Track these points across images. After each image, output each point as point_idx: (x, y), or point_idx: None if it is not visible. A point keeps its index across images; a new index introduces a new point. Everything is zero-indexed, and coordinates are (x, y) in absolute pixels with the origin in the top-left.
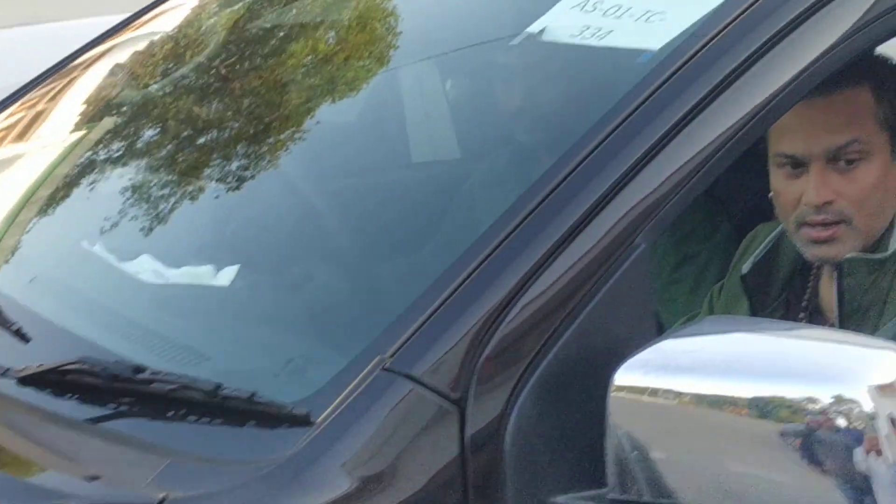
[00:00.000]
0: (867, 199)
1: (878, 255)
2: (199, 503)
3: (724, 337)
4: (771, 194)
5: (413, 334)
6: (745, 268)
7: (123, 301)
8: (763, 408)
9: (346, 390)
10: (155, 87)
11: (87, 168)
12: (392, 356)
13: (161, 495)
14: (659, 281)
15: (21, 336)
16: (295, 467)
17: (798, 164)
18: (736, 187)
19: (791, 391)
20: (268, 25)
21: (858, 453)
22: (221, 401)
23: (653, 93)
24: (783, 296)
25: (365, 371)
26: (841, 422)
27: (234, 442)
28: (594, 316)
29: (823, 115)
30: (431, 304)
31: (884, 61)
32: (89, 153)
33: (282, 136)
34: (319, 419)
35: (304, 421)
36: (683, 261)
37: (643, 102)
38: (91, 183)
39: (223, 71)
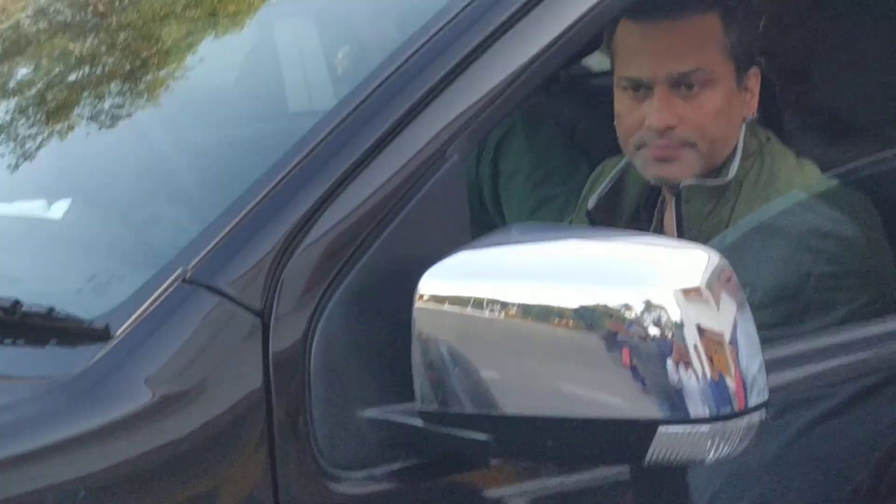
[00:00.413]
0: (709, 127)
1: (716, 182)
2: None
3: (528, 243)
4: (615, 118)
5: (215, 246)
6: (591, 203)
7: None
8: (562, 312)
9: (146, 303)
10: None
11: None
12: (193, 268)
13: None
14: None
15: None
16: (90, 379)
17: (640, 87)
18: (596, 130)
19: (595, 295)
20: None
21: (670, 364)
22: (21, 318)
23: (465, 7)
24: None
25: (165, 283)
26: (651, 330)
27: (33, 360)
28: (404, 227)
29: (669, 40)
30: (234, 217)
31: None
32: None
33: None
34: (118, 332)
35: (103, 335)
36: (540, 204)
37: (455, 17)
38: None
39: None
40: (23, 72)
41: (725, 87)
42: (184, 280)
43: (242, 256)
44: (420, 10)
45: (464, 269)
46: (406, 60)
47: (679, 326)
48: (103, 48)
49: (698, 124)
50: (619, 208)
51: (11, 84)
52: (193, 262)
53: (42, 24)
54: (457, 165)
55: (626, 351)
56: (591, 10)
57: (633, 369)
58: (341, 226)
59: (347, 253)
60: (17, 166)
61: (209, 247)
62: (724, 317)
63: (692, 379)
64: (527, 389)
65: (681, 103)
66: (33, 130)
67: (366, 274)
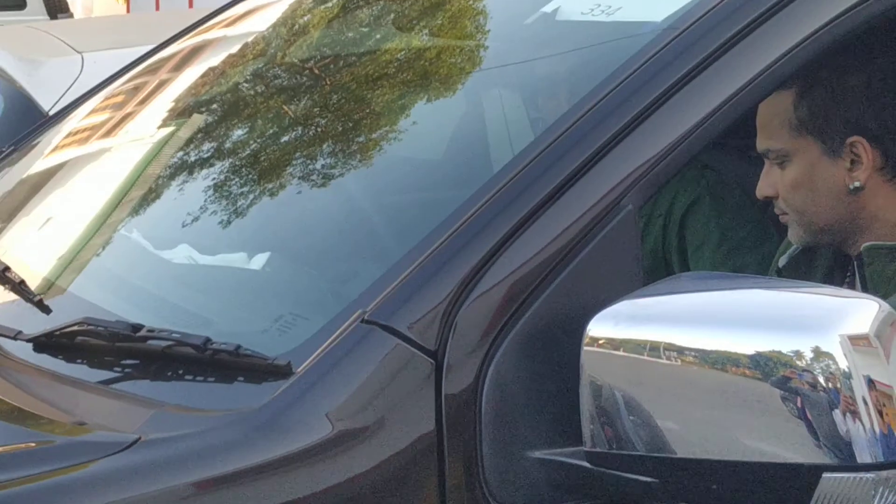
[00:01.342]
0: (791, 198)
1: (893, 243)
2: (173, 442)
3: (697, 291)
4: None
5: (393, 289)
6: (782, 261)
7: (156, 281)
8: (733, 360)
9: (327, 342)
10: (244, 85)
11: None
12: (372, 309)
13: (136, 436)
14: None
15: (42, 307)
16: (271, 412)
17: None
18: None
19: (764, 342)
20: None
21: (837, 414)
22: (211, 355)
23: (647, 61)
24: None
25: (345, 324)
26: (820, 379)
27: (219, 393)
28: (577, 275)
29: (759, 118)
30: (413, 263)
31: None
32: (168, 153)
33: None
34: (299, 369)
35: (286, 371)
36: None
37: (636, 70)
38: (170, 182)
39: (316, 70)
40: (237, 133)
41: (805, 161)
42: (363, 321)
43: (419, 300)
44: (602, 66)
45: (631, 315)
46: (583, 115)
47: (847, 376)
48: (315, 110)
49: (784, 195)
50: (812, 270)
51: (227, 144)
52: (372, 304)
53: (259, 87)
54: (631, 215)
55: (796, 398)
56: (759, 74)
57: (803, 416)
58: (514, 272)
59: (520, 299)
60: (228, 222)
61: (387, 290)
62: (894, 366)
63: (860, 429)
64: (695, 433)
65: (778, 174)
66: (244, 189)
67: (537, 319)
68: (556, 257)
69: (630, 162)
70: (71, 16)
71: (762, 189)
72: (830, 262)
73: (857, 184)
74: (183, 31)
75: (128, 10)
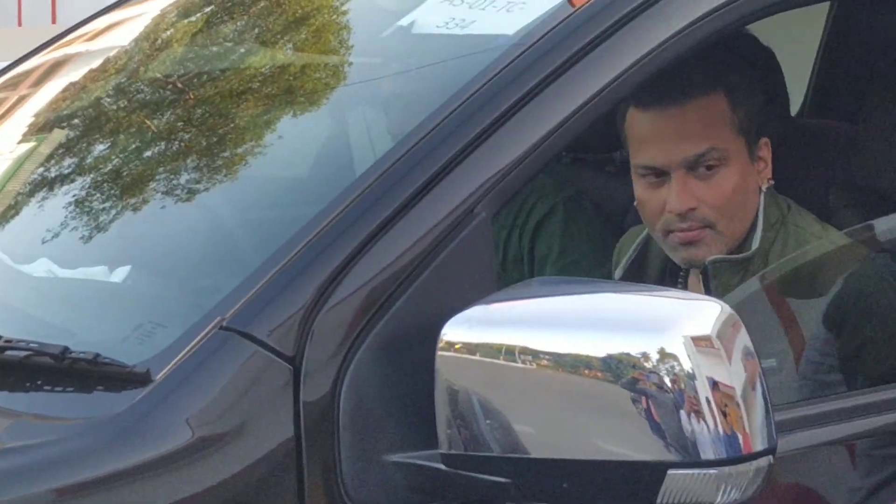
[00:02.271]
0: (728, 204)
1: (740, 256)
2: (30, 451)
3: (547, 296)
4: (636, 203)
5: (251, 297)
6: (617, 274)
7: (15, 294)
8: (585, 362)
9: (185, 349)
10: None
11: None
12: (230, 316)
13: None
14: None
15: None
16: (130, 418)
17: (660, 174)
18: None
19: (614, 345)
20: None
21: (682, 413)
22: (70, 364)
23: (497, 73)
24: None
25: (204, 331)
26: (666, 380)
27: (79, 402)
28: (432, 281)
29: (680, 125)
30: (270, 271)
31: (735, 68)
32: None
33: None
34: (158, 376)
35: (145, 379)
36: None
37: (487, 83)
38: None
39: (178, 85)
40: (98, 147)
41: (740, 162)
42: (221, 328)
43: (276, 307)
44: (455, 78)
45: (484, 319)
46: (435, 126)
47: (691, 377)
48: (177, 124)
49: (717, 203)
50: (644, 279)
51: (88, 159)
52: (231, 312)
53: (121, 102)
54: (484, 222)
55: (644, 399)
56: (606, 86)
57: (651, 416)
58: (371, 280)
59: (376, 305)
60: (89, 236)
61: (245, 298)
62: (735, 367)
63: (703, 428)
64: (549, 434)
65: (699, 184)
66: (105, 203)
67: (393, 325)
68: (411, 264)
69: (482, 171)
70: None
71: (683, 202)
72: (661, 270)
73: (771, 183)
74: (42, 45)
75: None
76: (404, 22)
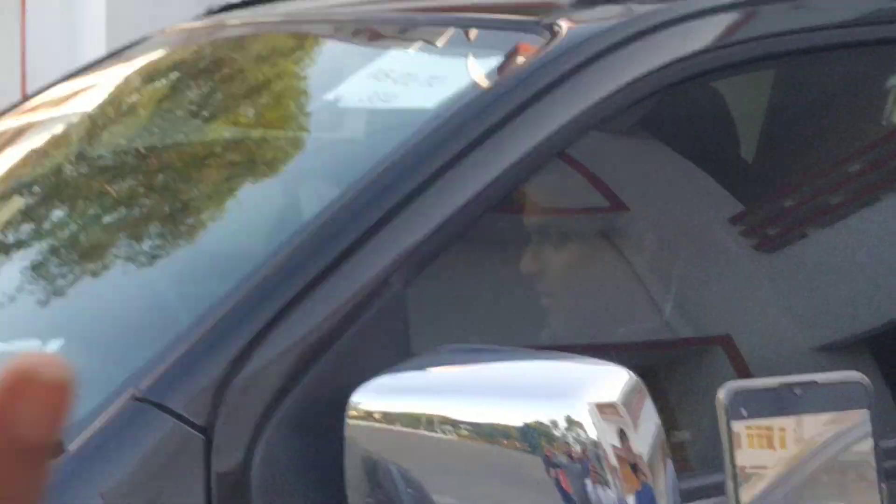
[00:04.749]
0: None
1: None
2: None
3: (456, 362)
4: None
5: (165, 368)
6: None
7: None
8: (488, 430)
9: (98, 419)
10: (36, 170)
11: None
12: (144, 388)
13: None
14: None
15: None
16: None
17: None
18: None
19: (525, 414)
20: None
21: (589, 483)
22: None
23: (413, 147)
24: None
25: (117, 401)
26: (574, 448)
27: None
28: (345, 352)
29: None
30: (185, 342)
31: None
32: None
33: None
34: (70, 447)
35: (57, 450)
36: None
37: (403, 155)
38: None
39: (105, 161)
40: (23, 226)
41: None
42: (134, 398)
43: (190, 378)
44: (373, 152)
45: (392, 387)
46: (350, 200)
47: (595, 445)
48: (106, 198)
49: None
50: None
51: (9, 237)
52: (144, 382)
53: (53, 177)
54: (399, 293)
55: (555, 469)
56: (522, 158)
57: (561, 486)
58: (285, 350)
59: (289, 375)
60: (27, 310)
61: (159, 369)
62: (641, 433)
63: (609, 495)
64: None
65: None
66: (29, 277)
67: (306, 395)
68: (325, 335)
69: (397, 244)
70: None
71: None
72: None
73: None
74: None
75: None
76: (330, 96)
